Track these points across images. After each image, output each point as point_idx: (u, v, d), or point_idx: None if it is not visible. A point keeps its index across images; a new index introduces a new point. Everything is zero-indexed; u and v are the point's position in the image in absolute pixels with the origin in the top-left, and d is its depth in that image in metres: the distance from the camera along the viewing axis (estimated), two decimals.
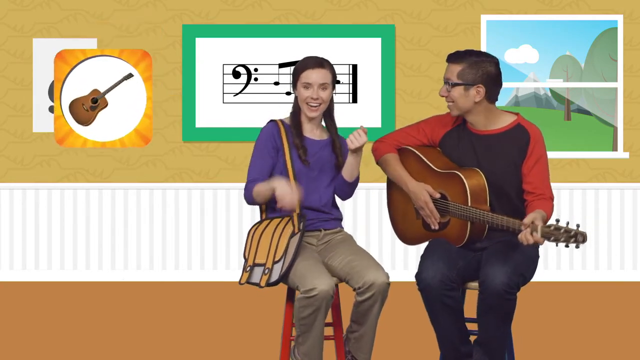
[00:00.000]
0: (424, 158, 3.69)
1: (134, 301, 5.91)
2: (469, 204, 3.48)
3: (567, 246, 3.21)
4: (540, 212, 3.37)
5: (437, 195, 3.62)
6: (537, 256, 3.64)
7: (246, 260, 3.66)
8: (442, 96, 3.61)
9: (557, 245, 3.23)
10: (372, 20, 6.70)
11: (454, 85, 3.57)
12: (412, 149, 3.75)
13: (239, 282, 3.63)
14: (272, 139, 3.71)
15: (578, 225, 3.21)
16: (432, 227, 3.64)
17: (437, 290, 3.47)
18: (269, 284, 3.54)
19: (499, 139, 3.59)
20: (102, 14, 6.71)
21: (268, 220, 3.70)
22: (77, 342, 4.80)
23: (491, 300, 3.41)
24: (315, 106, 3.71)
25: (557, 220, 3.24)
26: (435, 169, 3.63)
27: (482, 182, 3.51)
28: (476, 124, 3.62)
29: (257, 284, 3.58)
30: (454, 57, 3.60)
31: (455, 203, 3.53)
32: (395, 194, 3.82)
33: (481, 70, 3.56)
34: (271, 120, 3.78)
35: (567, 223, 3.20)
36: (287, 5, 6.70)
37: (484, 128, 3.62)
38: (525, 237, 3.28)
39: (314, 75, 3.69)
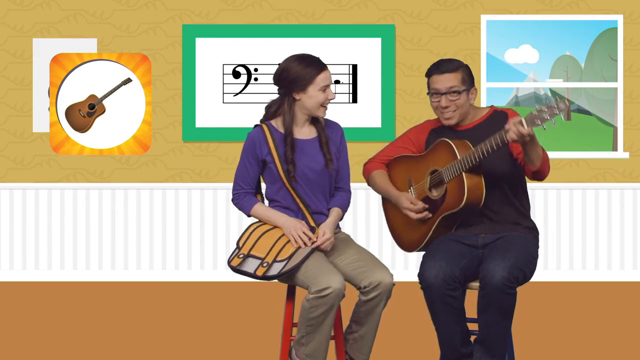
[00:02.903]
0: (410, 154, 3.80)
1: (134, 301, 5.91)
2: (458, 157, 3.54)
3: (553, 123, 3.29)
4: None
5: (420, 205, 3.68)
6: (537, 256, 3.66)
7: (239, 247, 3.66)
8: (445, 107, 3.66)
9: (545, 127, 3.31)
10: (372, 20, 6.70)
11: (461, 92, 3.65)
12: (400, 155, 3.86)
13: (228, 262, 3.62)
14: (256, 148, 3.67)
15: (556, 99, 3.30)
16: (424, 218, 3.69)
17: (439, 289, 3.48)
18: (265, 277, 3.53)
19: (480, 128, 3.69)
20: (102, 14, 6.71)
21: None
22: (77, 342, 4.80)
23: (491, 295, 3.42)
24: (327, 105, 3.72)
25: (536, 107, 3.36)
26: (420, 154, 3.75)
27: (466, 142, 3.60)
28: (461, 122, 3.73)
29: (252, 274, 3.56)
30: (449, 66, 3.69)
31: (447, 166, 3.59)
32: (393, 206, 3.87)
33: (470, 73, 3.73)
34: (257, 125, 3.72)
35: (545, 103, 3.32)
36: (287, 5, 6.70)
37: (466, 123, 3.74)
38: (513, 131, 3.34)
39: (328, 76, 3.67)
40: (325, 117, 3.78)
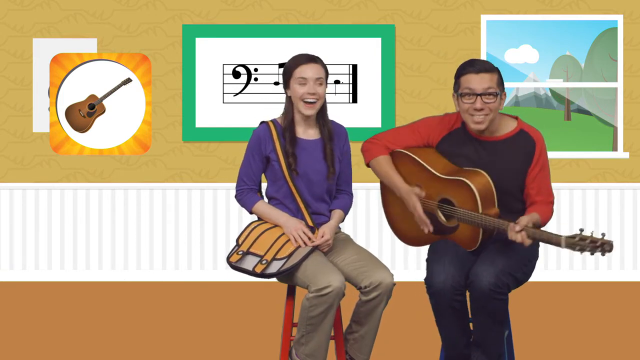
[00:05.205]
0: (423, 162, 3.61)
1: (134, 301, 5.91)
2: (480, 211, 3.41)
3: (592, 254, 3.18)
4: (535, 215, 3.42)
5: (423, 195, 3.58)
6: (535, 257, 3.61)
7: (239, 244, 3.66)
8: (479, 109, 3.46)
9: (581, 253, 3.20)
10: (372, 20, 6.70)
11: (496, 95, 3.46)
12: (408, 153, 3.66)
13: (227, 259, 3.63)
14: (261, 145, 3.67)
15: (603, 235, 3.14)
16: (426, 231, 3.61)
17: (447, 295, 3.43)
18: (264, 274, 3.54)
19: (504, 146, 3.54)
20: (102, 14, 6.71)
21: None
22: (77, 342, 4.80)
23: (480, 300, 3.39)
24: (312, 102, 3.63)
25: (581, 230, 3.21)
26: (438, 174, 3.55)
27: (488, 184, 3.46)
28: (484, 131, 3.54)
29: (250, 271, 3.57)
30: (486, 66, 3.49)
31: (464, 209, 3.46)
32: (392, 194, 3.77)
33: (502, 77, 3.55)
34: (262, 122, 3.72)
35: (592, 232, 3.19)
36: (287, 5, 6.70)
37: (489, 134, 3.55)
38: (518, 240, 3.31)
39: (308, 70, 3.62)
40: (332, 120, 3.77)
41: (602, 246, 3.14)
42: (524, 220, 3.32)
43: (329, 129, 3.73)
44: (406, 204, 3.63)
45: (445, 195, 3.54)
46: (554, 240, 3.23)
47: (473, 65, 3.47)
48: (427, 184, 3.60)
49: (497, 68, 3.52)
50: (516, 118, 3.61)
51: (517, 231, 3.29)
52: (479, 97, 3.45)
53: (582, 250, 3.17)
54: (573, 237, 3.17)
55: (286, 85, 3.68)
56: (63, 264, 6.66)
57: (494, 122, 3.53)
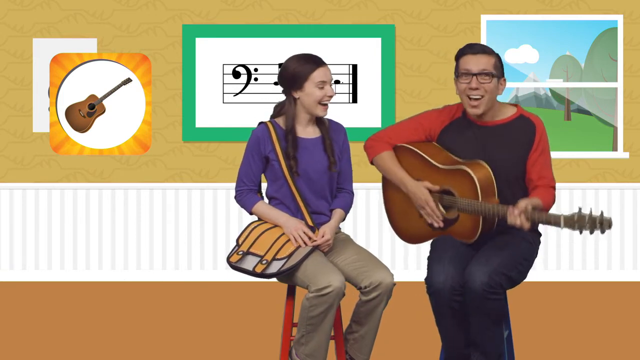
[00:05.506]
0: (423, 154, 3.61)
1: (134, 301, 5.91)
2: (480, 199, 3.41)
3: (591, 232, 3.18)
4: (536, 199, 3.40)
5: (437, 188, 3.56)
6: (532, 255, 3.59)
7: (239, 245, 3.66)
8: (475, 89, 3.49)
9: (581, 232, 3.21)
10: (372, 20, 6.70)
11: (492, 76, 3.50)
12: (409, 147, 3.66)
13: (227, 259, 3.63)
14: (260, 145, 3.67)
15: (602, 212, 3.17)
16: (436, 225, 3.59)
17: (447, 295, 3.43)
18: (264, 274, 3.54)
19: (504, 130, 3.56)
20: (102, 14, 6.71)
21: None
22: (77, 342, 4.80)
23: (474, 301, 3.39)
24: (327, 104, 3.66)
25: (580, 208, 3.22)
26: (438, 165, 3.55)
27: (489, 174, 3.46)
28: (484, 116, 3.56)
29: (250, 271, 3.57)
30: (484, 49, 3.54)
31: (464, 199, 3.47)
32: (393, 192, 3.75)
33: (502, 63, 3.57)
34: (261, 123, 3.72)
35: (591, 210, 3.19)
36: (287, 5, 6.70)
37: (489, 119, 3.57)
38: (516, 224, 3.29)
39: (326, 73, 3.63)
40: (329, 119, 3.78)
41: (601, 223, 3.14)
42: (523, 203, 3.32)
43: (326, 124, 3.74)
44: (415, 198, 3.60)
45: (446, 186, 3.55)
46: (552, 220, 3.24)
47: (472, 47, 3.55)
48: (428, 176, 3.60)
49: (496, 53, 3.56)
50: (516, 105, 3.65)
51: (516, 215, 3.29)
52: (474, 76, 3.49)
53: (581, 228, 3.17)
54: (572, 216, 3.18)
55: (297, 87, 3.64)
56: (63, 264, 6.66)
57: (493, 108, 3.56)
